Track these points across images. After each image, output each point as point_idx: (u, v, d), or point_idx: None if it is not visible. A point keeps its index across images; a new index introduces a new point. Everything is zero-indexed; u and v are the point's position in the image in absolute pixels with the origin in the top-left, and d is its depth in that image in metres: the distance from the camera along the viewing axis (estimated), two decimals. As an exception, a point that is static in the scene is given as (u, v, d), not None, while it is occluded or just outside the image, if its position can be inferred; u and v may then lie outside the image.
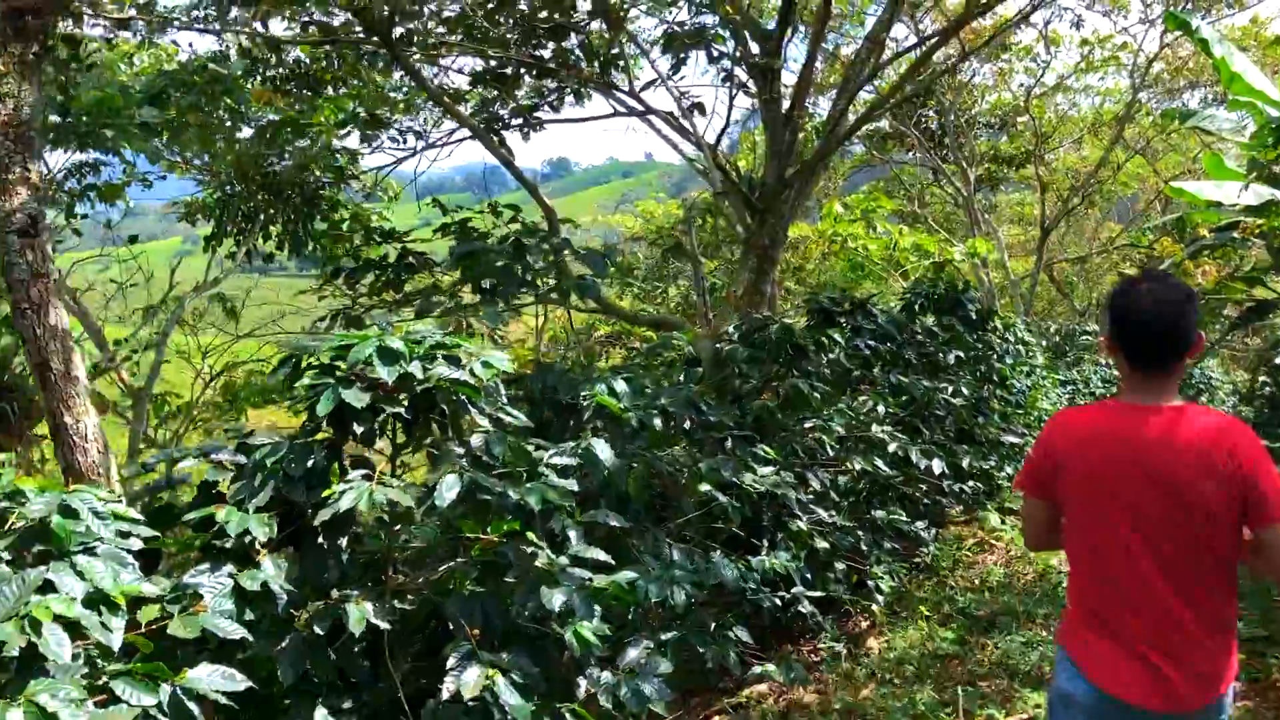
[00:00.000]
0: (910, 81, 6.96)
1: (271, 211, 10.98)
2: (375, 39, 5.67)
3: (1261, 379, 11.34)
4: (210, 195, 11.74)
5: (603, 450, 3.57)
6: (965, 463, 7.43)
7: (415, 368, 2.84)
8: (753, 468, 4.96)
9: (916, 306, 8.55)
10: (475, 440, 2.95)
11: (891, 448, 6.29)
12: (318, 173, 12.00)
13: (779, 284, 18.95)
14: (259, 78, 9.97)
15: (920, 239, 14.70)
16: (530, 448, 3.38)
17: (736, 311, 8.08)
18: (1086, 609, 2.55)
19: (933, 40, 7.78)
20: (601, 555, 3.27)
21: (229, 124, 10.39)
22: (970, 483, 7.97)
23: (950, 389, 7.47)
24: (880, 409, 6.27)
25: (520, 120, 8.00)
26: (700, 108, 7.78)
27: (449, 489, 2.74)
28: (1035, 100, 22.28)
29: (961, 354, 8.28)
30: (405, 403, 2.91)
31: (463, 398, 2.97)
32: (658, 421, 4.05)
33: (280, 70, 9.53)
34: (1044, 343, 20.71)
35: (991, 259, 23.11)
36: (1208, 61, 20.50)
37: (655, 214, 19.50)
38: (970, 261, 18.50)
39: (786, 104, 9.90)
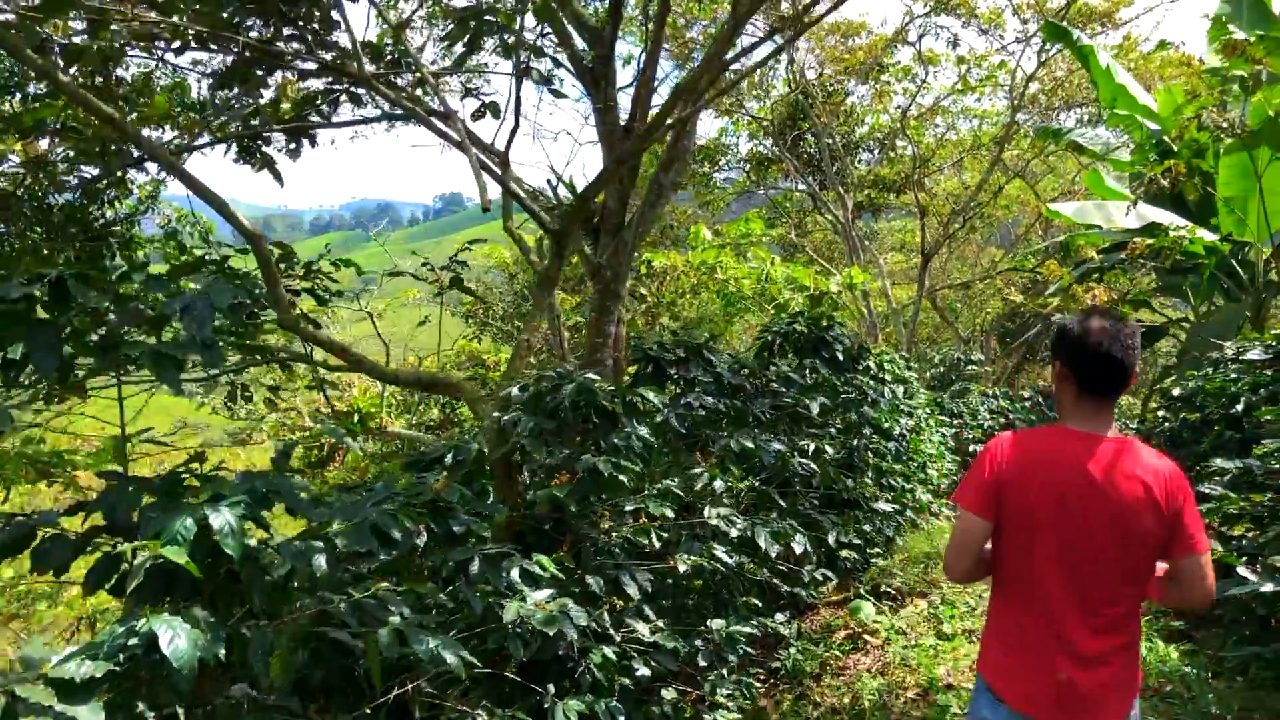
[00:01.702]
0: (721, 59, 5.66)
1: (46, 252, 9.27)
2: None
3: (1160, 413, 10.41)
4: (-25, 234, 9.97)
5: (170, 635, 2.09)
6: (833, 537, 6.12)
7: None
8: (522, 592, 3.54)
9: (776, 348, 7.28)
10: None
11: (734, 532, 4.94)
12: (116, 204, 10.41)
13: (654, 319, 17.68)
14: (18, 95, 8.35)
15: (795, 270, 13.54)
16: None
17: (532, 362, 6.69)
18: (1008, 631, 2.65)
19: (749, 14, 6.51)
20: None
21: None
22: (844, 553, 6.70)
23: (812, 446, 6.16)
24: (718, 484, 4.91)
25: (284, 132, 6.48)
26: (493, 109, 6.35)
27: None
28: (913, 122, 21.60)
29: (828, 401, 7.02)
30: None
31: None
32: (321, 560, 2.60)
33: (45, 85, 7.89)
34: (928, 374, 19.87)
35: (873, 288, 22.28)
36: (1083, 82, 19.94)
37: (531, 245, 18.06)
38: (851, 292, 17.53)
39: (625, 116, 8.63)
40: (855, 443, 7.16)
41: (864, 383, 7.59)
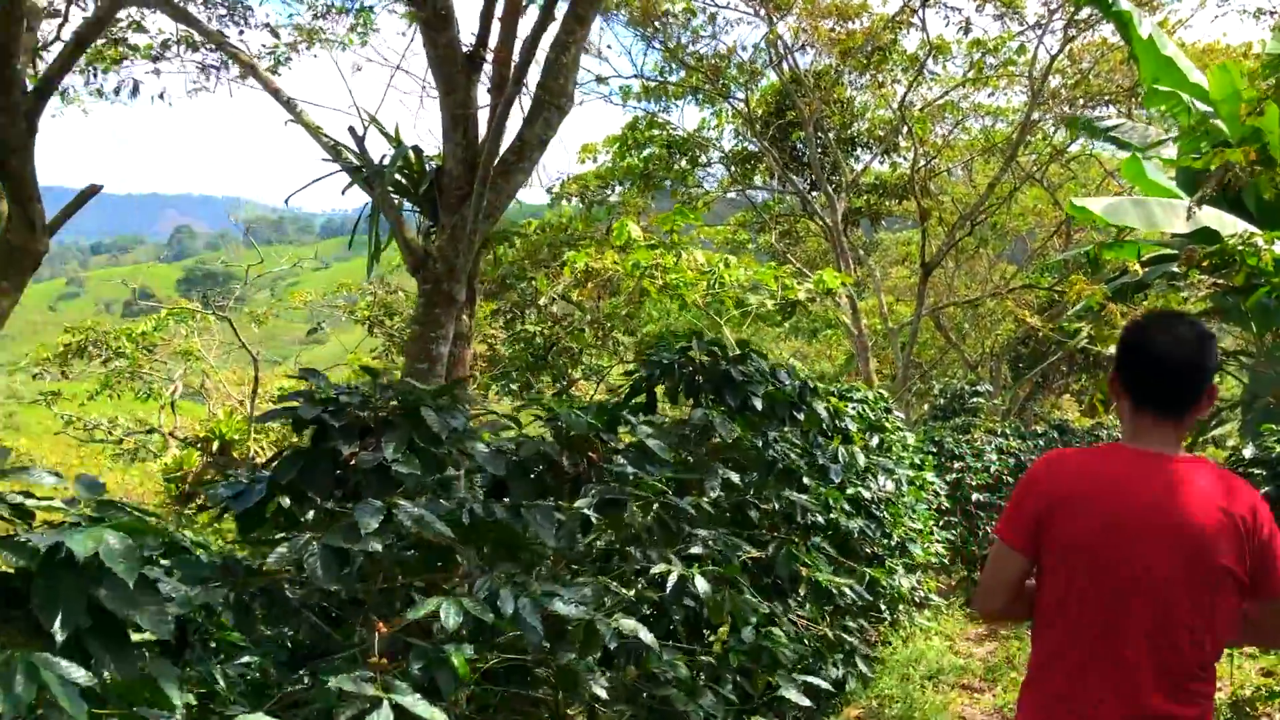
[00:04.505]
0: None
1: None
2: None
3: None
4: None
5: None
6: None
7: None
8: None
9: (663, 389, 4.60)
10: None
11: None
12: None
13: (606, 335, 14.96)
14: None
15: (760, 273, 10.85)
16: None
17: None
18: (1053, 685, 2.25)
19: None
20: None
21: None
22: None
23: (676, 574, 3.45)
24: (384, 715, 2.20)
25: None
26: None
27: None
28: (917, 113, 18.93)
29: (738, 477, 4.36)
30: None
31: None
32: None
33: None
34: (925, 406, 17.19)
35: (866, 305, 19.62)
36: (1113, 72, 17.13)
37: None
38: (832, 299, 14.90)
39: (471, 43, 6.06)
40: (775, 550, 4.42)
41: (795, 445, 4.89)
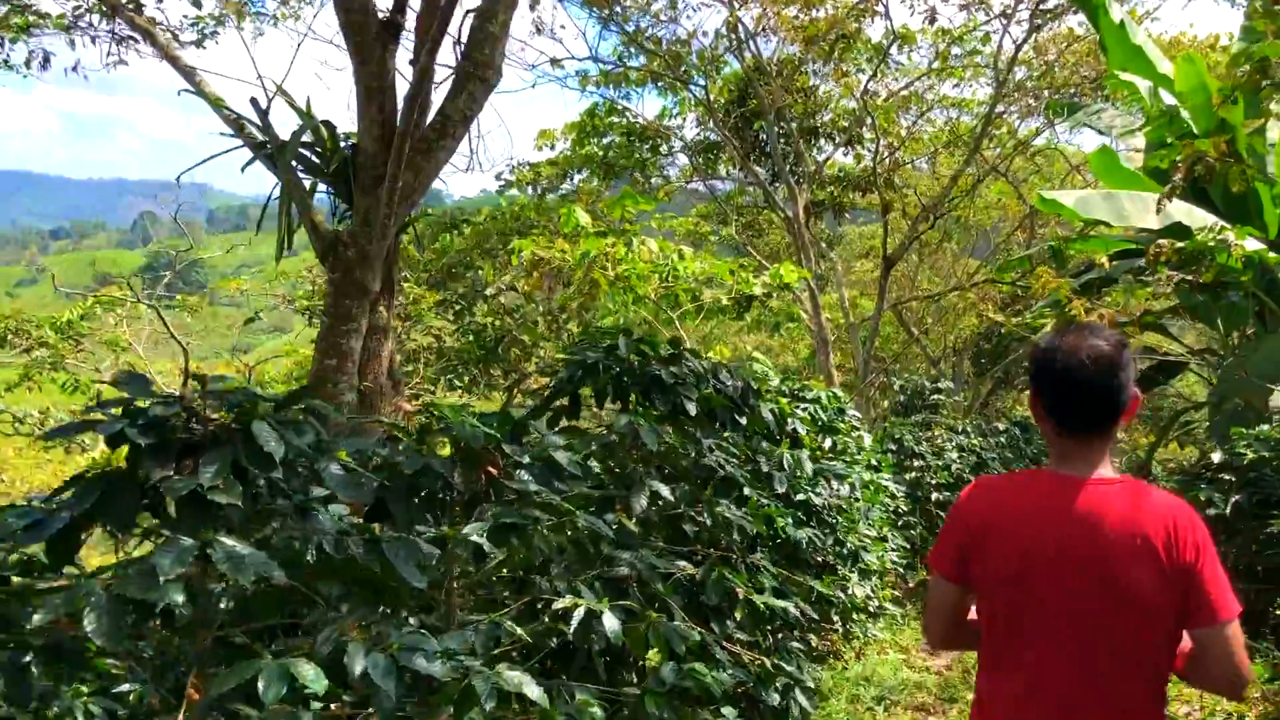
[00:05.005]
0: None
1: None
2: None
3: (1201, 487, 7.30)
4: None
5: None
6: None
7: None
8: None
9: (589, 391, 4.13)
10: None
11: None
12: None
13: (559, 327, 14.44)
14: None
15: (715, 265, 10.42)
16: None
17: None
18: (998, 710, 2.21)
19: None
20: None
21: None
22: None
23: (582, 611, 2.98)
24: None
25: None
26: None
27: None
28: (880, 102, 18.55)
29: (669, 489, 3.92)
30: None
31: None
32: None
33: None
34: (885, 404, 16.85)
35: (828, 300, 19.29)
36: (1081, 63, 16.82)
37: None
38: (791, 293, 14.50)
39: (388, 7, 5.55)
40: (706, 574, 3.98)
41: (733, 453, 4.45)
